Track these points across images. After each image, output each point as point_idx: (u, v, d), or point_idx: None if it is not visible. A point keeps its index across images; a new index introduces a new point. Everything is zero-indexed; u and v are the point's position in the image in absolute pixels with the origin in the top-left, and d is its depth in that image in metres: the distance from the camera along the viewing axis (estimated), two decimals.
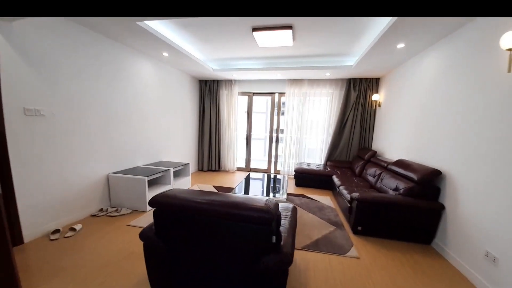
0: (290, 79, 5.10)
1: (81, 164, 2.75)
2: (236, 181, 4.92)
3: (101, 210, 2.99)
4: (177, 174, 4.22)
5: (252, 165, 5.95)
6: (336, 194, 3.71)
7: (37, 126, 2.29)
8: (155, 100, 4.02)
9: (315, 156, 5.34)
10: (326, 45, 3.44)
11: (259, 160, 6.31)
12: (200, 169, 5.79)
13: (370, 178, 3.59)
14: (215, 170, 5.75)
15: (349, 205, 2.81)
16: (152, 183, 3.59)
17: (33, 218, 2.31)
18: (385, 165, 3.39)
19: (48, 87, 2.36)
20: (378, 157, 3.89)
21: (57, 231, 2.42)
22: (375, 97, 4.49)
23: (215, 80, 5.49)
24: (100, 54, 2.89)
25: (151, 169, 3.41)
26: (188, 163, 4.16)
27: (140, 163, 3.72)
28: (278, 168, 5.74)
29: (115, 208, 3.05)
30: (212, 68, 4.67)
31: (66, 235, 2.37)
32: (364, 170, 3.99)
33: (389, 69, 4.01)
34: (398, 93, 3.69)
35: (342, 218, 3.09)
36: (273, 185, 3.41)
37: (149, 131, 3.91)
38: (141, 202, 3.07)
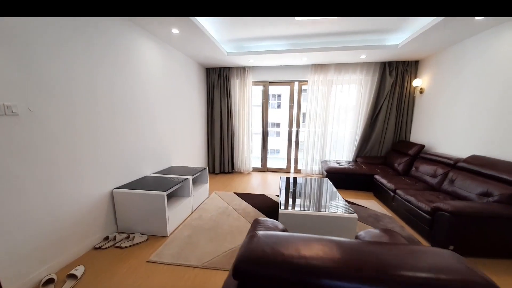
0: (315, 64, 4.43)
1: (74, 180, 1.98)
2: (257, 185, 4.26)
3: (106, 239, 2.25)
4: (193, 182, 3.49)
5: (268, 165, 5.29)
6: (387, 198, 3.16)
7: (8, 130, 1.51)
8: (161, 92, 3.23)
9: (342, 152, 4.76)
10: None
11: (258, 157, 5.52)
12: (211, 171, 5.06)
13: (429, 179, 3.05)
14: (228, 172, 5.05)
15: (429, 216, 2.25)
16: (168, 197, 2.86)
17: (14, 267, 1.56)
18: (452, 162, 2.85)
19: (20, 73, 1.56)
20: (430, 153, 3.35)
21: (50, 281, 1.68)
22: (416, 82, 3.93)
23: (225, 68, 4.71)
24: (93, 30, 2.08)
25: (166, 180, 2.68)
26: (206, 168, 3.44)
27: (148, 172, 2.97)
28: (299, 167, 5.13)
29: (126, 235, 2.32)
30: (226, 51, 3.90)
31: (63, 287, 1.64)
32: (414, 168, 3.45)
33: (439, 49, 3.43)
34: (458, 76, 3.12)
35: (411, 231, 2.53)
36: (316, 190, 2.80)
37: (157, 131, 3.14)
38: (160, 224, 2.36)
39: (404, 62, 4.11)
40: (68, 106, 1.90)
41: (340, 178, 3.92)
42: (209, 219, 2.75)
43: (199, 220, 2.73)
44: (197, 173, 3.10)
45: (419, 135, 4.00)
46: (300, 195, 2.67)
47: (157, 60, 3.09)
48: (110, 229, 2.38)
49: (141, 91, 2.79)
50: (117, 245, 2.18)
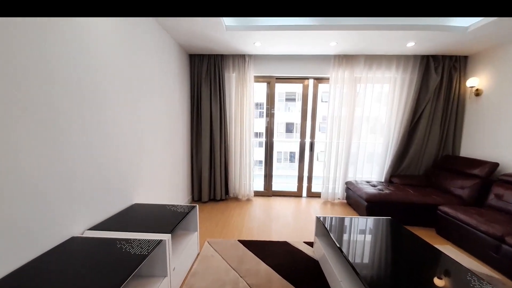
0: (340, 55, 3.36)
1: None
2: (266, 220, 2.93)
3: None
4: (172, 238, 2.04)
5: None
6: (474, 244, 2.09)
7: None
8: (119, 86, 1.83)
9: (370, 169, 3.70)
10: None
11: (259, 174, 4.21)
12: (197, 199, 3.60)
13: None
14: (221, 200, 3.63)
15: None
16: None
17: None
18: None
19: None
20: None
21: None
22: (471, 82, 3.05)
23: (217, 56, 3.41)
24: None
25: (111, 251, 1.26)
26: (195, 206, 2.04)
27: (79, 228, 1.49)
28: (314, 188, 3.94)
29: None
30: (225, 24, 2.61)
31: None
32: (493, 196, 2.46)
33: (506, 41, 2.59)
34: None
35: None
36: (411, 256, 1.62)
37: (109, 141, 1.71)
38: None
39: (451, 57, 3.24)
40: None
41: (383, 208, 2.80)
42: None
43: None
44: (178, 221, 1.69)
45: (474, 149, 3.10)
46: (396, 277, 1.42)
47: (119, 39, 1.74)
48: None
49: (87, 85, 1.38)
50: None
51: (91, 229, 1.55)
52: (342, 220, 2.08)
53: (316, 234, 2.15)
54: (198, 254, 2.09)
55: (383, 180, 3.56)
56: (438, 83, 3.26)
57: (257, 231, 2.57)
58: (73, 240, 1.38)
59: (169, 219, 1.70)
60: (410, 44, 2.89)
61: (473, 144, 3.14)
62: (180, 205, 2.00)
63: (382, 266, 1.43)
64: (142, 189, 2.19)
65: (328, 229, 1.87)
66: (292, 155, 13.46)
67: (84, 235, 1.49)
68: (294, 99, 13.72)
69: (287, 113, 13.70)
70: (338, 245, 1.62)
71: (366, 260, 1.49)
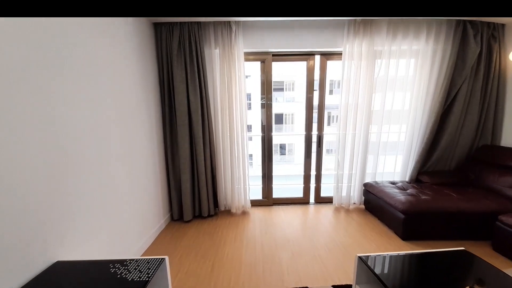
0: (357, 20, 2.57)
1: None
2: (271, 244, 2.16)
3: None
4: None
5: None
6: None
7: None
8: (37, 69, 0.92)
9: (393, 165, 3.02)
10: None
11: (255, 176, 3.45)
12: (177, 217, 2.75)
13: None
14: (209, 216, 2.81)
15: None
16: None
17: None
18: None
19: None
20: None
21: None
22: None
23: (192, 23, 2.48)
24: None
25: None
26: (164, 260, 1.21)
27: None
28: (325, 193, 3.22)
29: None
30: None
31: None
32: None
33: None
34: None
35: None
36: None
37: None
38: None
39: (488, 24, 2.57)
40: None
41: (423, 219, 2.14)
42: None
43: None
44: None
45: None
46: None
47: None
48: None
49: None
50: None
51: None
52: (396, 259, 1.35)
53: (358, 282, 1.42)
54: None
55: (407, 179, 2.91)
56: (479, 55, 2.59)
57: (262, 270, 1.79)
58: None
59: None
60: None
61: None
62: (135, 260, 1.16)
63: None
64: (76, 230, 1.31)
65: (380, 277, 1.14)
66: (282, 147, 12.78)
67: None
68: (282, 89, 12.89)
69: (274, 103, 12.94)
70: None
71: None
